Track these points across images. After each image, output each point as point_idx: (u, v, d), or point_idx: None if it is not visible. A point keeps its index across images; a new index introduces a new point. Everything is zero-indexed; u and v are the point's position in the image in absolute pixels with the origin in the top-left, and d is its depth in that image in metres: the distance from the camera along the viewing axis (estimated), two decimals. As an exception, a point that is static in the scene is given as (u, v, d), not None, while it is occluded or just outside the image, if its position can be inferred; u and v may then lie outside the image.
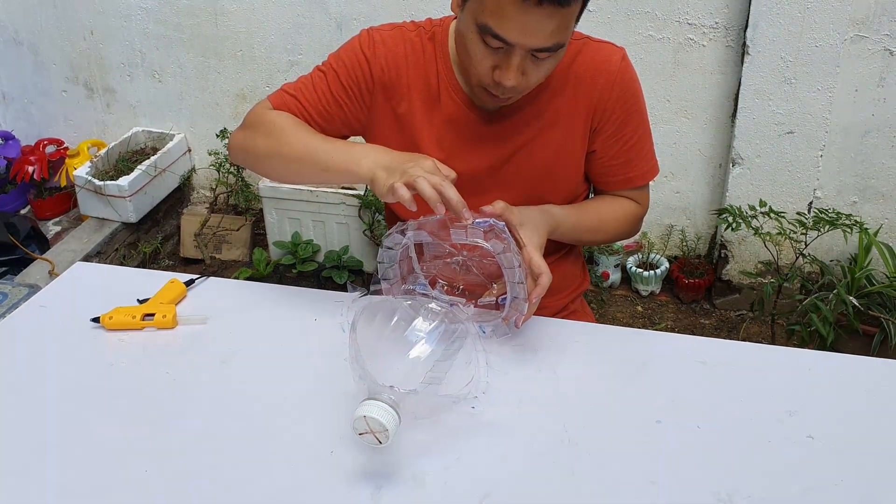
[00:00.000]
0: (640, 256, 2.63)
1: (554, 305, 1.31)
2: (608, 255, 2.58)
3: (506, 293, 1.00)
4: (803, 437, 0.93)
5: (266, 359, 1.08)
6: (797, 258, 2.11)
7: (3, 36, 2.94)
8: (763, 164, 2.34)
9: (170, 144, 2.87)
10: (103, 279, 1.30)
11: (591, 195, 1.31)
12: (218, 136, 2.70)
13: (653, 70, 2.37)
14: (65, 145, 3.02)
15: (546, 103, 1.14)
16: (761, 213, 2.05)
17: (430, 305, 0.95)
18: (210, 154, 2.80)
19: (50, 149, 2.97)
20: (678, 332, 1.28)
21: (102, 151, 2.82)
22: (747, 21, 2.18)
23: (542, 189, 1.18)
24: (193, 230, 2.84)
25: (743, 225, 2.07)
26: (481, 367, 0.91)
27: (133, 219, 2.72)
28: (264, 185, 2.62)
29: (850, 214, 2.00)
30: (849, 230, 1.95)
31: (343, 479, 0.88)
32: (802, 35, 2.14)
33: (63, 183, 2.91)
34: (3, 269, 2.58)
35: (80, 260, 2.44)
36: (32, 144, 3.00)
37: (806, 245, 2.06)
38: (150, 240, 2.84)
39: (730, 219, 2.09)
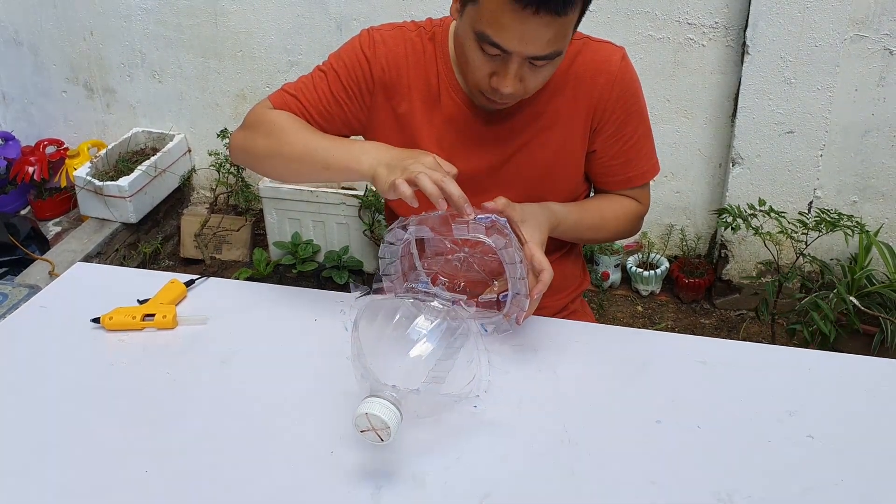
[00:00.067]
0: (640, 256, 2.63)
1: (554, 305, 1.31)
2: (608, 254, 2.58)
3: (507, 290, 0.99)
4: (803, 437, 0.93)
5: (266, 359, 1.08)
6: (797, 258, 2.11)
7: (3, 36, 2.94)
8: (763, 164, 2.34)
9: (170, 145, 2.87)
10: (103, 280, 1.30)
11: (592, 194, 1.31)
12: (218, 136, 2.70)
13: (653, 70, 2.37)
14: (65, 146, 3.02)
15: (546, 103, 1.14)
16: (761, 212, 2.05)
17: (432, 303, 0.95)
18: (210, 154, 2.80)
19: (50, 149, 2.97)
20: (678, 332, 1.28)
21: (102, 152, 2.82)
22: (747, 21, 2.18)
23: (542, 189, 1.18)
24: (193, 230, 2.84)
25: (743, 225, 2.07)
26: (483, 365, 0.91)
27: (133, 219, 2.72)
28: (264, 185, 2.62)
29: (851, 216, 2.00)
30: (850, 232, 1.95)
31: (343, 479, 0.88)
32: (802, 35, 2.14)
33: (63, 183, 2.90)
34: (4, 269, 2.58)
35: (81, 260, 2.44)
36: (32, 145, 3.00)
37: (806, 245, 2.06)
38: (150, 240, 2.84)
39: (729, 219, 2.09)
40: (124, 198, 2.67)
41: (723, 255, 2.52)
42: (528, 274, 0.98)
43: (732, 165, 2.37)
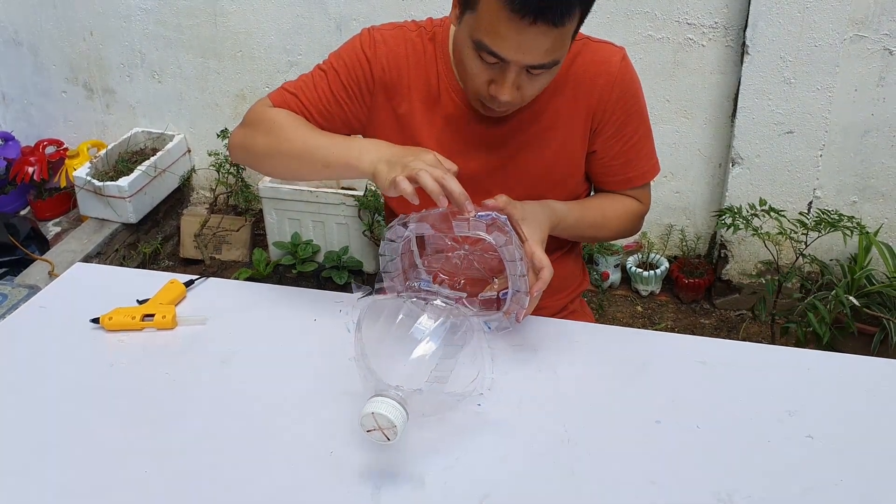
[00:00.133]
0: (640, 256, 2.63)
1: (554, 305, 1.31)
2: (608, 255, 2.58)
3: (507, 288, 0.99)
4: (803, 437, 0.93)
5: (266, 359, 1.08)
6: (797, 258, 2.11)
7: (3, 36, 2.94)
8: (763, 164, 2.34)
9: (169, 145, 2.87)
10: (103, 280, 1.30)
11: (592, 194, 1.31)
12: (218, 136, 2.70)
13: (652, 70, 2.37)
14: (64, 146, 3.02)
15: (546, 104, 1.14)
16: (762, 211, 2.05)
17: (434, 302, 0.95)
18: (210, 154, 2.80)
19: (50, 149, 2.97)
20: (678, 332, 1.28)
21: (102, 152, 2.82)
22: (747, 21, 2.18)
23: (542, 189, 1.18)
24: (193, 231, 2.84)
25: (742, 225, 2.07)
26: (486, 363, 0.91)
27: (133, 219, 2.72)
28: (264, 185, 2.62)
29: (852, 216, 2.00)
30: (849, 233, 1.95)
31: (343, 479, 0.87)
32: (802, 35, 2.14)
33: (63, 184, 2.90)
34: (3, 269, 2.58)
35: (80, 261, 2.44)
36: (32, 145, 3.00)
37: (806, 245, 2.06)
38: (149, 240, 2.84)
39: (729, 220, 2.10)
40: (124, 198, 2.67)
41: (722, 255, 2.52)
42: (528, 271, 0.98)
43: (732, 165, 2.37)
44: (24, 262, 2.57)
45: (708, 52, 2.32)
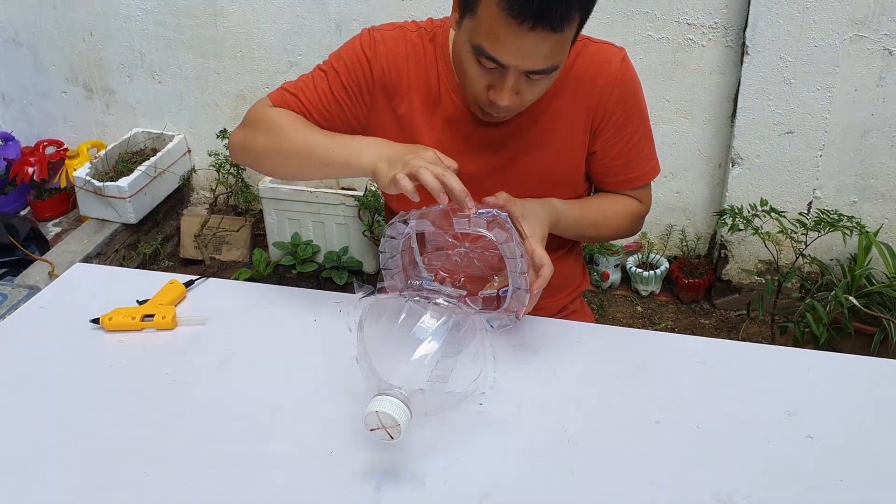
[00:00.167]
0: (640, 256, 2.63)
1: (554, 305, 1.31)
2: (608, 255, 2.58)
3: (507, 286, 0.99)
4: (803, 437, 0.93)
5: (265, 359, 1.08)
6: (797, 258, 2.11)
7: (3, 37, 2.94)
8: (763, 164, 2.34)
9: (169, 145, 2.87)
10: (103, 280, 1.30)
11: (592, 194, 1.31)
12: (218, 136, 2.70)
13: (652, 70, 2.37)
14: (64, 146, 3.02)
15: (546, 105, 1.14)
16: (762, 211, 2.05)
17: (437, 301, 0.95)
18: (210, 155, 2.80)
19: (49, 150, 2.97)
20: (678, 333, 1.28)
21: (102, 152, 2.82)
22: (746, 21, 2.18)
23: (542, 190, 1.18)
24: (193, 231, 2.84)
25: (743, 225, 2.07)
26: (489, 362, 0.91)
27: (133, 220, 2.72)
28: (264, 185, 2.62)
29: (851, 216, 2.00)
30: (848, 232, 1.95)
31: (343, 479, 0.88)
32: (802, 35, 2.14)
33: (63, 184, 2.91)
34: (3, 270, 2.58)
35: (80, 261, 2.44)
36: (32, 145, 3.00)
37: (806, 245, 2.06)
38: (149, 241, 2.84)
39: (729, 220, 2.09)
40: (124, 198, 2.67)
41: (722, 255, 2.52)
42: (528, 269, 0.97)
43: (732, 166, 2.37)
44: (24, 263, 2.57)
45: (708, 52, 2.32)
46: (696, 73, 2.36)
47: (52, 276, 2.47)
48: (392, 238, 1.01)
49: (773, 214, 2.03)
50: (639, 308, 2.58)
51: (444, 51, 1.14)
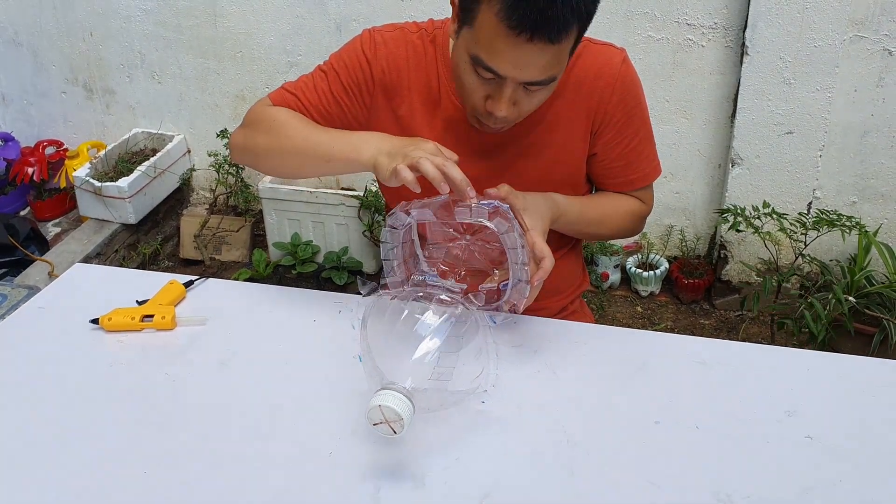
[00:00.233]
0: (640, 257, 2.63)
1: (553, 306, 1.31)
2: (608, 255, 2.59)
3: (507, 280, 0.99)
4: (802, 437, 0.93)
5: (265, 360, 1.08)
6: (797, 258, 2.11)
7: (3, 37, 2.94)
8: (762, 165, 2.34)
9: (169, 145, 2.87)
10: (102, 280, 1.30)
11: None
12: (217, 136, 2.70)
13: (652, 71, 2.37)
14: (64, 146, 3.02)
15: (547, 107, 1.13)
16: (764, 213, 2.05)
17: (440, 297, 0.95)
18: (210, 155, 2.80)
19: (49, 150, 2.97)
20: (678, 333, 1.28)
21: (102, 153, 2.82)
22: (746, 21, 2.18)
23: (543, 191, 1.18)
24: (193, 231, 2.84)
25: (744, 224, 2.07)
26: (491, 359, 0.91)
27: (133, 220, 2.72)
28: (264, 185, 2.62)
29: (851, 216, 2.00)
30: (847, 230, 1.95)
31: (343, 479, 0.88)
32: (801, 35, 2.14)
33: (63, 184, 2.91)
34: (3, 270, 2.58)
35: (80, 261, 2.44)
36: (32, 146, 3.00)
37: (805, 245, 2.06)
38: (149, 241, 2.84)
39: (731, 218, 2.09)
40: (124, 199, 2.67)
41: (722, 255, 2.52)
42: (529, 261, 0.97)
43: (732, 166, 2.37)
44: (24, 263, 2.57)
45: (707, 52, 2.32)
46: (695, 74, 2.36)
47: (51, 276, 2.47)
48: (393, 228, 1.01)
49: (773, 216, 2.03)
50: (638, 308, 2.58)
51: (445, 52, 1.14)
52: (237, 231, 2.84)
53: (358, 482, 0.87)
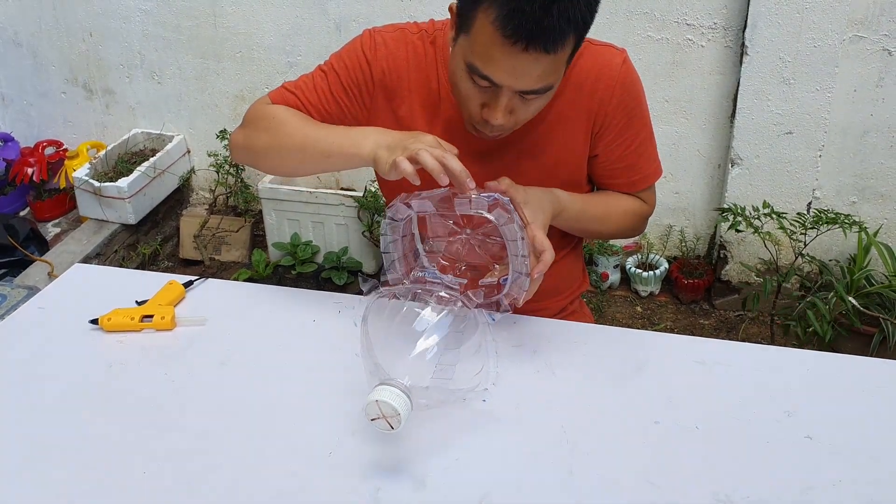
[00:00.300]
0: (640, 257, 2.63)
1: (553, 306, 1.31)
2: (607, 255, 2.59)
3: (507, 275, 0.99)
4: (802, 437, 0.93)
5: (265, 360, 1.08)
6: (796, 258, 2.11)
7: (3, 37, 2.95)
8: (762, 165, 2.34)
9: (169, 146, 2.87)
10: (102, 281, 1.30)
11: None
12: (217, 137, 2.70)
13: (652, 71, 2.37)
14: (64, 147, 3.02)
15: (548, 108, 1.13)
16: (764, 213, 2.05)
17: (439, 293, 0.95)
18: (209, 155, 2.80)
19: (49, 150, 2.97)
20: (677, 333, 1.28)
21: (101, 153, 2.82)
22: (746, 21, 2.18)
23: (544, 191, 1.18)
24: (193, 231, 2.84)
25: (743, 224, 2.07)
26: (491, 357, 0.91)
27: (132, 220, 2.72)
28: (263, 185, 2.62)
29: (849, 214, 2.00)
30: (848, 227, 1.94)
31: (343, 480, 0.88)
32: (801, 35, 2.14)
33: (62, 184, 2.91)
34: (3, 270, 2.58)
35: (80, 261, 2.44)
36: (31, 146, 3.00)
37: (805, 245, 2.06)
38: (149, 241, 2.84)
39: (731, 218, 2.09)
40: (123, 199, 2.67)
41: (722, 255, 2.52)
42: (529, 254, 0.97)
43: (731, 166, 2.37)
44: (24, 263, 2.57)
45: (707, 52, 2.32)
46: (695, 74, 2.36)
47: (51, 276, 2.47)
48: (393, 220, 1.01)
49: (773, 216, 2.03)
50: (638, 308, 2.58)
51: (445, 53, 1.14)
52: (237, 231, 2.84)
53: (358, 482, 0.87)
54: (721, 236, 2.49)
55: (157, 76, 2.86)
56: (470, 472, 0.88)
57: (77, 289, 1.26)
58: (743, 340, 2.28)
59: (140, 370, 1.06)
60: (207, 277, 1.27)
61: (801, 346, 1.97)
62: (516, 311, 1.08)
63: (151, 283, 1.22)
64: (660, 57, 2.36)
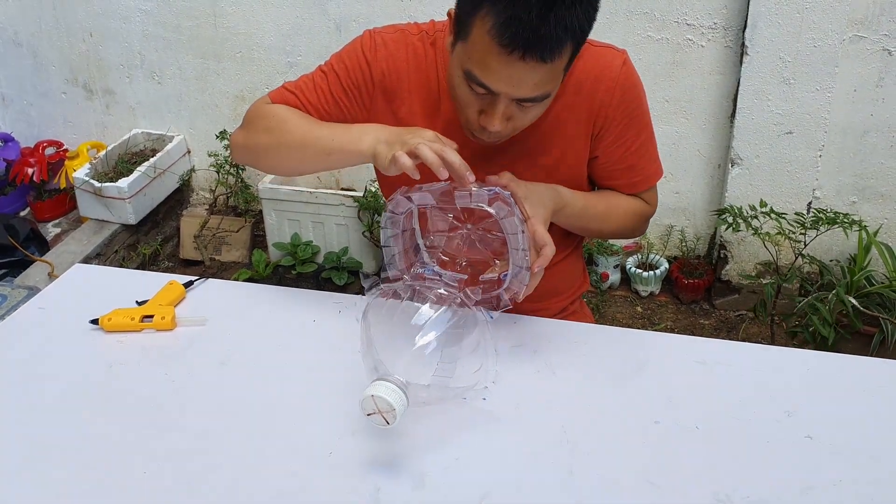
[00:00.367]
0: (640, 257, 2.63)
1: (553, 307, 1.31)
2: (607, 255, 2.59)
3: (508, 270, 0.99)
4: (802, 437, 0.93)
5: (265, 360, 1.08)
6: (796, 258, 2.11)
7: (3, 37, 2.95)
8: (762, 165, 2.34)
9: (169, 146, 2.87)
10: (102, 281, 1.30)
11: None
12: (217, 137, 2.70)
13: (652, 71, 2.37)
14: (64, 147, 3.02)
15: (548, 109, 1.13)
16: (762, 213, 2.05)
17: (438, 291, 0.95)
18: (209, 155, 2.80)
19: (49, 150, 2.97)
20: (677, 333, 1.28)
21: (102, 153, 2.82)
22: (746, 21, 2.18)
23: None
24: (193, 232, 2.84)
25: (743, 225, 2.07)
26: (490, 355, 0.91)
27: (132, 220, 2.72)
28: (264, 186, 2.62)
29: (849, 214, 2.00)
30: (849, 227, 1.94)
31: (343, 479, 0.88)
32: (801, 35, 2.14)
33: (62, 185, 2.91)
34: (3, 270, 2.58)
35: (80, 262, 2.44)
36: (32, 146, 3.00)
37: (805, 245, 2.06)
38: (149, 241, 2.84)
39: (730, 219, 2.09)
40: (124, 199, 2.67)
41: (722, 255, 2.52)
42: (530, 248, 0.97)
43: (731, 166, 2.37)
44: (24, 264, 2.57)
45: (707, 52, 2.32)
46: (695, 74, 2.36)
47: (51, 276, 2.47)
48: (394, 214, 1.01)
49: (772, 216, 2.03)
50: (638, 308, 2.58)
51: (445, 55, 1.14)
52: (237, 231, 2.84)
53: (358, 482, 0.87)
54: (721, 236, 2.49)
55: (157, 76, 2.86)
56: (470, 471, 0.88)
57: (77, 289, 1.26)
58: (743, 340, 2.28)
59: (140, 370, 1.06)
60: (208, 277, 1.27)
61: (801, 346, 1.97)
62: (516, 310, 1.08)
63: (152, 283, 1.22)
64: (660, 57, 2.36)
